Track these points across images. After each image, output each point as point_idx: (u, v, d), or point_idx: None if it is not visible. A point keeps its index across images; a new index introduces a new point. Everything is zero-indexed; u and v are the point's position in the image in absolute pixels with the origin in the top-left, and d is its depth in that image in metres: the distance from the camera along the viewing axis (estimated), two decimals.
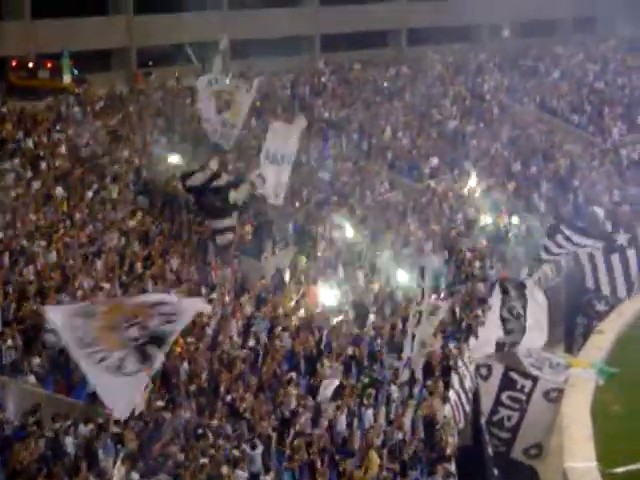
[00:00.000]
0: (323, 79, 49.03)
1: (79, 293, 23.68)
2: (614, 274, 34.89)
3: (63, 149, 33.83)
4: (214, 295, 26.96)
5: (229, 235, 30.59)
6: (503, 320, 27.98)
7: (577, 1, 62.96)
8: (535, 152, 46.43)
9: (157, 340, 16.43)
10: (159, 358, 16.61)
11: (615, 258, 34.83)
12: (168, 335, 16.51)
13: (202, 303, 19.43)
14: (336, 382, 24.20)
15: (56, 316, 16.78)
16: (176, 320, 16.63)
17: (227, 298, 27.29)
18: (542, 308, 29.12)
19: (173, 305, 16.84)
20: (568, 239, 33.43)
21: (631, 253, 34.93)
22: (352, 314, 29.18)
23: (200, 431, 20.18)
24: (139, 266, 26.93)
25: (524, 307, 28.08)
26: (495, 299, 28.72)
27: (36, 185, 30.33)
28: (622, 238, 35.15)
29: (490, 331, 28.50)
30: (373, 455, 21.81)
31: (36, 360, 20.04)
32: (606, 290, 34.85)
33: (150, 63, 48.81)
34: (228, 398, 22.03)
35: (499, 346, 27.78)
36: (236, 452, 19.88)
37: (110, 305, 17.13)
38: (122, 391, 16.16)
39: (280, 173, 32.11)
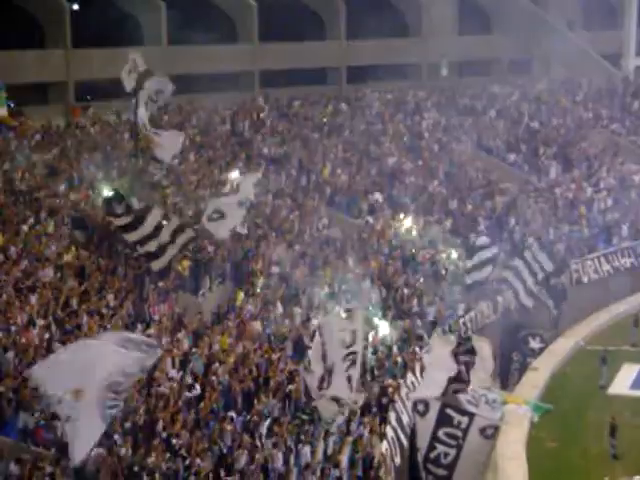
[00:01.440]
0: (262, 115, 49.14)
1: (13, 328, 23.33)
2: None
3: None
4: (151, 331, 26.72)
5: (163, 258, 30.31)
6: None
7: (513, 43, 63.92)
8: (472, 190, 46.91)
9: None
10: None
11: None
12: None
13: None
14: None
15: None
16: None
17: (164, 334, 27.04)
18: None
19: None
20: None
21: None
22: (290, 350, 29.11)
23: (135, 469, 19.93)
24: (75, 301, 26.61)
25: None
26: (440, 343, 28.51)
27: None
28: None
29: (438, 373, 28.38)
30: None
31: None
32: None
33: (88, 97, 48.49)
34: (164, 435, 21.78)
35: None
36: None
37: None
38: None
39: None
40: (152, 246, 30.11)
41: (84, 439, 16.53)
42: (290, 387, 26.49)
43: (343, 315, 26.92)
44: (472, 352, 26.16)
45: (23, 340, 23.45)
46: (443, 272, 38.43)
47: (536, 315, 37.78)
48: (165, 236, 30.17)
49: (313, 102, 53.18)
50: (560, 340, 36.85)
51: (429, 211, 43.61)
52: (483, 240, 37.74)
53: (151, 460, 20.45)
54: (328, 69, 60.19)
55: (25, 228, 30.41)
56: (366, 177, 45.20)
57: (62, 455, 18.47)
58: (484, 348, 26.94)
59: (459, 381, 26.02)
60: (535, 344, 35.18)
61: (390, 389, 27.96)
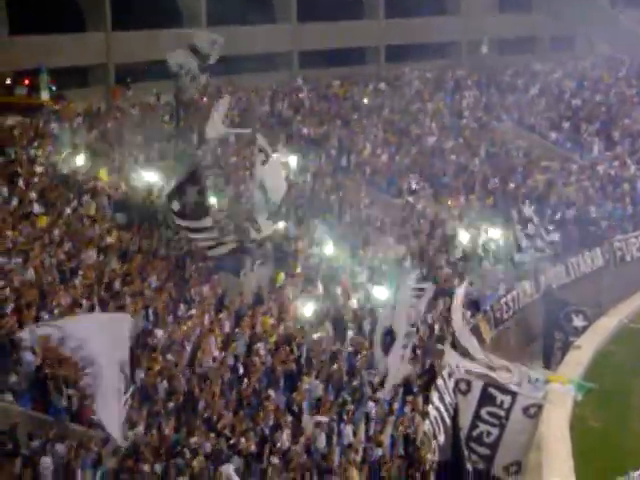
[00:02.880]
0: (301, 95, 49.09)
1: (56, 311, 23.55)
2: None
3: (41, 166, 33.69)
4: (193, 312, 26.87)
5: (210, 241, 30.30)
6: None
7: (555, 20, 63.23)
8: (513, 168, 46.61)
9: None
10: None
11: None
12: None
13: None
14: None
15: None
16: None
17: (206, 315, 27.17)
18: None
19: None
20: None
21: None
22: (331, 330, 29.14)
23: (178, 449, 20.07)
24: (118, 283, 26.82)
25: None
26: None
27: (14, 202, 30.18)
28: None
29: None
30: (353, 472, 21.76)
31: (12, 378, 19.87)
32: None
33: (128, 79, 48.70)
34: (207, 415, 21.92)
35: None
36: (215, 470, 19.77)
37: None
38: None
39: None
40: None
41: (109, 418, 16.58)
42: (333, 367, 26.52)
43: (414, 292, 26.90)
44: None
45: None
46: (484, 251, 38.24)
47: (580, 292, 37.50)
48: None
49: (352, 82, 53.03)
50: (604, 318, 36.44)
51: (470, 190, 43.38)
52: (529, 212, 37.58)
53: (194, 440, 20.56)
54: (367, 48, 60.01)
55: (68, 210, 30.65)
56: (406, 156, 45.04)
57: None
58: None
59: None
60: (578, 322, 34.85)
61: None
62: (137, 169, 35.47)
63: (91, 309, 24.35)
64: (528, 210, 37.87)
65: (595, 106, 54.71)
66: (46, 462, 17.70)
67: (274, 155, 31.47)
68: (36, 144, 35.66)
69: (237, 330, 27.00)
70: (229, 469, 19.79)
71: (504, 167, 46.55)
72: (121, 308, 25.10)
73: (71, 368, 19.98)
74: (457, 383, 26.46)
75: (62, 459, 18.00)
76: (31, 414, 19.37)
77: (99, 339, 17.15)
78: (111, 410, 16.22)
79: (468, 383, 26.68)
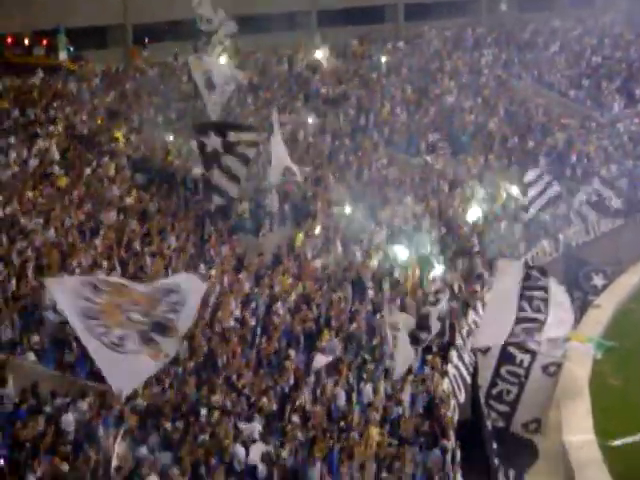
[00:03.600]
0: (319, 55, 48.81)
1: (77, 271, 23.64)
2: None
3: (60, 126, 33.69)
4: (212, 272, 26.95)
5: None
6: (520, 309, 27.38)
7: None
8: (533, 126, 46.35)
9: (159, 327, 16.49)
10: (167, 344, 16.58)
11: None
12: (170, 323, 16.54)
13: (203, 286, 19.33)
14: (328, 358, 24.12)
15: (58, 286, 16.80)
16: (181, 310, 16.67)
17: (225, 275, 27.26)
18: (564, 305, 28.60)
19: (179, 294, 16.88)
20: None
21: None
22: (350, 290, 29.20)
23: (200, 407, 20.20)
24: (137, 243, 26.90)
25: (545, 301, 27.34)
26: (508, 281, 28.12)
27: (33, 163, 30.25)
28: None
29: (500, 318, 28.26)
30: (373, 430, 21.90)
31: (35, 337, 20.03)
32: None
33: (146, 40, 48.55)
34: (227, 374, 22.04)
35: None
36: (236, 428, 19.91)
37: (117, 286, 17.06)
38: (121, 368, 16.13)
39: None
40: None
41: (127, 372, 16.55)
42: (352, 326, 26.60)
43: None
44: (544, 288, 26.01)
45: None
46: (503, 210, 38.16)
47: (599, 251, 37.40)
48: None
49: (371, 41, 52.71)
50: (623, 276, 36.37)
51: (489, 149, 43.20)
52: (531, 175, 37.41)
53: (215, 398, 20.68)
54: (386, 7, 59.48)
55: (88, 171, 30.71)
56: (425, 116, 44.84)
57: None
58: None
59: (530, 321, 25.95)
60: (598, 280, 34.75)
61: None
62: (156, 129, 35.43)
63: (111, 270, 24.45)
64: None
65: (615, 63, 54.24)
66: (68, 419, 17.88)
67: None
68: (55, 105, 35.64)
69: (256, 290, 27.09)
70: (253, 428, 19.94)
71: (523, 125, 46.30)
72: (141, 269, 25.20)
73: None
74: None
75: (84, 417, 18.18)
76: (54, 373, 19.56)
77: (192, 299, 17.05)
78: (107, 360, 16.10)
79: None
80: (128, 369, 16.31)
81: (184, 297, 17.00)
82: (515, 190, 38.95)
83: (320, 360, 23.91)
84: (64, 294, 16.29)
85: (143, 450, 17.93)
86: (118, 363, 16.03)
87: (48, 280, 18.31)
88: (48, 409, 17.96)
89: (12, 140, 31.46)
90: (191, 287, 17.50)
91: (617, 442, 23.22)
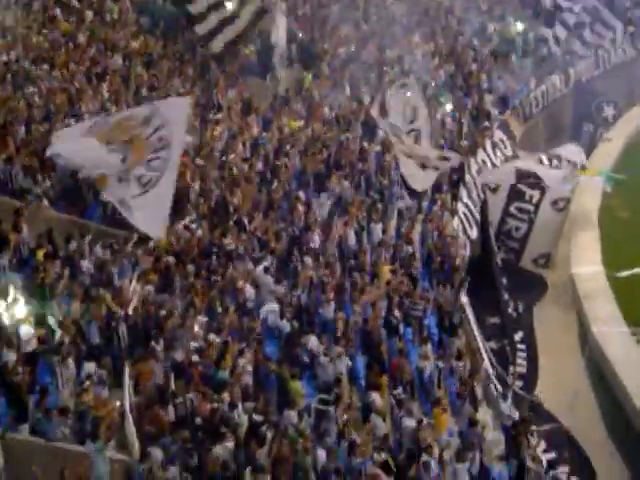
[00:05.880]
0: None
1: (86, 116, 23.48)
2: None
3: None
4: (220, 116, 26.81)
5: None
6: None
7: None
8: None
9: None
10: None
11: None
12: (169, 160, 16.48)
13: (184, 100, 19.09)
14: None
15: (62, 143, 16.80)
16: (172, 137, 16.51)
17: (234, 119, 27.15)
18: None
19: (161, 116, 16.62)
20: None
21: None
22: (360, 130, 29.10)
23: (214, 250, 20.43)
24: (144, 88, 26.66)
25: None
26: None
27: (36, 6, 29.58)
28: None
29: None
30: (384, 269, 22.20)
31: (46, 183, 20.10)
32: None
33: None
34: (238, 217, 22.19)
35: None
36: (247, 269, 20.19)
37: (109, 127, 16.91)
38: (148, 208, 16.17)
39: None
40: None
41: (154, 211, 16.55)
42: (362, 166, 26.63)
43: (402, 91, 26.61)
44: None
45: None
46: (513, 45, 37.60)
47: (610, 84, 37.00)
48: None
49: None
50: (635, 109, 36.09)
51: None
52: None
53: (227, 241, 20.87)
54: None
55: (90, 14, 30.07)
56: None
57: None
58: None
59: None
60: (609, 112, 34.56)
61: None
62: None
63: None
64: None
65: None
66: (85, 264, 18.13)
67: None
68: None
69: (265, 133, 27.02)
70: (260, 268, 20.21)
71: None
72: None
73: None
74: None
75: (100, 261, 18.45)
76: (67, 218, 19.70)
77: (178, 120, 16.73)
78: (163, 203, 16.02)
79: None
80: (154, 207, 16.30)
81: (165, 118, 16.72)
82: (521, 25, 38.23)
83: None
84: (70, 148, 16.31)
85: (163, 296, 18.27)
86: (145, 204, 16.08)
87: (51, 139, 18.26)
88: (63, 253, 18.20)
89: None
90: (168, 109, 17.19)
91: (624, 273, 23.51)
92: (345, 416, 16.62)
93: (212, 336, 17.45)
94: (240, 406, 15.80)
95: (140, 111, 17.20)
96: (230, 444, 14.85)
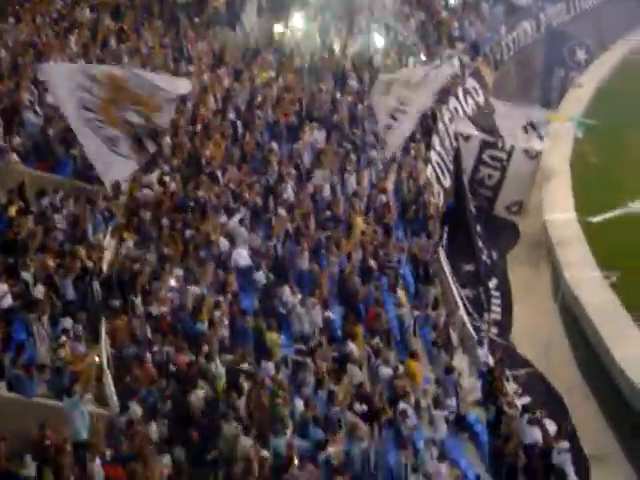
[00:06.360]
0: None
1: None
2: None
3: None
4: (190, 68, 26.56)
5: None
6: None
7: None
8: None
9: (153, 132, 16.44)
10: (150, 150, 16.66)
11: None
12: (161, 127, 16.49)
13: (185, 83, 19.07)
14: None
15: (56, 72, 16.61)
16: (167, 110, 16.52)
17: (204, 71, 26.91)
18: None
19: (167, 91, 16.67)
20: None
21: None
22: (331, 82, 28.98)
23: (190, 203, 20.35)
24: (113, 40, 26.34)
25: None
26: None
27: None
28: None
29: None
30: (357, 220, 22.19)
31: (16, 139, 19.88)
32: None
33: None
34: (211, 170, 22.08)
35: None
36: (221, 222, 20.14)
37: (115, 78, 16.77)
38: (109, 162, 16.21)
39: None
40: None
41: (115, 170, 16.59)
42: (335, 117, 26.52)
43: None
44: None
45: None
46: None
47: (581, 29, 36.95)
48: None
49: None
50: (606, 55, 36.06)
51: None
52: None
53: (201, 194, 20.76)
54: None
55: None
56: None
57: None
58: None
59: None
60: (581, 55, 34.43)
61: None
62: None
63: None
64: None
65: None
66: (59, 219, 18.01)
67: None
68: None
69: (236, 85, 26.83)
70: (234, 220, 20.17)
71: None
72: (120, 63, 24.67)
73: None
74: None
75: (72, 216, 18.32)
76: (38, 174, 19.53)
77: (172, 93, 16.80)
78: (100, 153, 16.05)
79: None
80: (116, 166, 16.40)
81: (169, 95, 16.82)
82: None
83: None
84: (61, 81, 16.10)
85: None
86: (108, 157, 16.09)
87: (45, 66, 18.06)
88: (34, 209, 18.06)
89: None
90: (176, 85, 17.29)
91: (597, 218, 23.68)
92: (323, 366, 16.72)
93: (188, 288, 17.45)
94: (217, 358, 15.86)
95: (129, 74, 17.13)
96: (205, 393, 14.95)
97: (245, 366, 16.10)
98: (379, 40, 31.76)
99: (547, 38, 35.58)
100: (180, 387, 15.09)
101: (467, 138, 27.01)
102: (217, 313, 16.98)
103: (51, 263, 16.26)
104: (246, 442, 14.12)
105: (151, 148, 16.84)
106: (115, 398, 14.41)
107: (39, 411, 13.67)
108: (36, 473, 12.72)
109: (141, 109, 16.40)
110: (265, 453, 13.96)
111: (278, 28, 31.45)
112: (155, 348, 15.67)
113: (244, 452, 14.00)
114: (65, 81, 16.08)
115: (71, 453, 12.88)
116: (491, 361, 19.25)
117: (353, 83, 29.11)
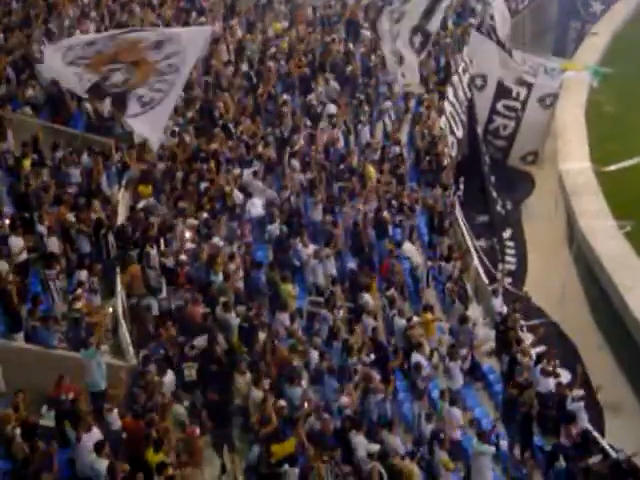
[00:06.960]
0: None
1: (66, 23, 23.11)
2: None
3: None
4: (203, 19, 26.41)
5: None
6: None
7: None
8: None
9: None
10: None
11: None
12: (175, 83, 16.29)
13: (205, 30, 18.83)
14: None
15: (53, 64, 16.57)
16: (183, 64, 16.31)
17: (217, 22, 26.75)
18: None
19: (177, 44, 16.44)
20: None
21: None
22: (344, 32, 28.77)
23: (202, 155, 20.34)
24: None
25: None
26: None
27: None
28: None
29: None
30: (370, 170, 22.13)
31: (30, 92, 19.86)
32: None
33: None
34: (224, 122, 22.02)
35: None
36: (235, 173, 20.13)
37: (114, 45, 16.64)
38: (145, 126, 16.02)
39: None
40: None
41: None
42: (348, 68, 26.35)
43: None
44: None
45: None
46: None
47: None
48: None
49: None
50: (620, 3, 35.57)
51: None
52: None
53: (214, 146, 20.74)
54: None
55: None
56: None
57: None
58: None
59: None
60: (597, 7, 33.99)
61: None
62: None
63: (101, 19, 23.98)
64: None
65: None
66: (74, 173, 18.05)
67: None
68: None
69: (249, 36, 26.67)
70: (248, 172, 20.19)
71: None
72: (131, 13, 24.53)
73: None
74: (473, 79, 26.44)
75: (87, 169, 18.34)
76: (53, 126, 19.53)
77: (194, 49, 16.55)
78: (162, 117, 15.84)
79: (484, 78, 26.67)
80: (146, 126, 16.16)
81: (181, 46, 16.58)
82: None
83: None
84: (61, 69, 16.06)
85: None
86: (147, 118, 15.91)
87: (43, 66, 17.92)
88: (49, 162, 18.10)
89: None
90: (186, 37, 17.07)
91: (612, 167, 23.53)
92: (338, 316, 16.78)
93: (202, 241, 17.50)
94: (233, 310, 15.93)
95: (151, 35, 16.86)
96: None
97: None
98: None
99: None
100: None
101: (481, 88, 26.77)
102: (231, 265, 17.03)
103: (67, 216, 16.32)
104: (257, 394, 14.20)
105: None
106: (131, 349, 14.54)
107: (57, 362, 13.80)
108: (55, 423, 12.88)
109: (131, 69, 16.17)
110: (281, 402, 14.06)
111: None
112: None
113: (255, 404, 14.09)
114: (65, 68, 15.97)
115: (88, 403, 13.04)
116: (505, 311, 19.26)
117: (366, 33, 28.85)
